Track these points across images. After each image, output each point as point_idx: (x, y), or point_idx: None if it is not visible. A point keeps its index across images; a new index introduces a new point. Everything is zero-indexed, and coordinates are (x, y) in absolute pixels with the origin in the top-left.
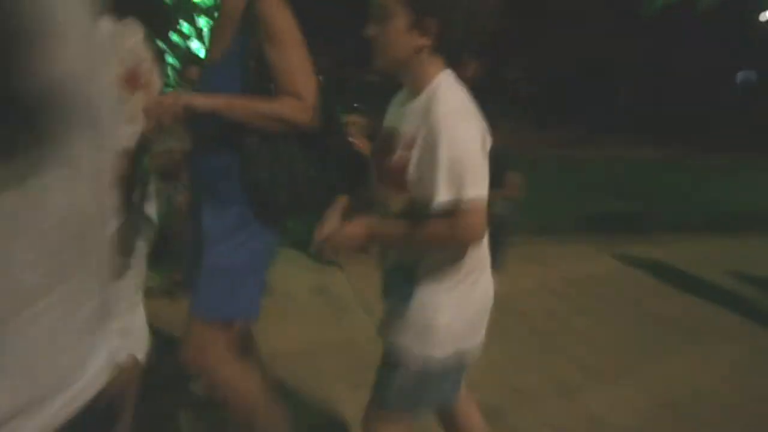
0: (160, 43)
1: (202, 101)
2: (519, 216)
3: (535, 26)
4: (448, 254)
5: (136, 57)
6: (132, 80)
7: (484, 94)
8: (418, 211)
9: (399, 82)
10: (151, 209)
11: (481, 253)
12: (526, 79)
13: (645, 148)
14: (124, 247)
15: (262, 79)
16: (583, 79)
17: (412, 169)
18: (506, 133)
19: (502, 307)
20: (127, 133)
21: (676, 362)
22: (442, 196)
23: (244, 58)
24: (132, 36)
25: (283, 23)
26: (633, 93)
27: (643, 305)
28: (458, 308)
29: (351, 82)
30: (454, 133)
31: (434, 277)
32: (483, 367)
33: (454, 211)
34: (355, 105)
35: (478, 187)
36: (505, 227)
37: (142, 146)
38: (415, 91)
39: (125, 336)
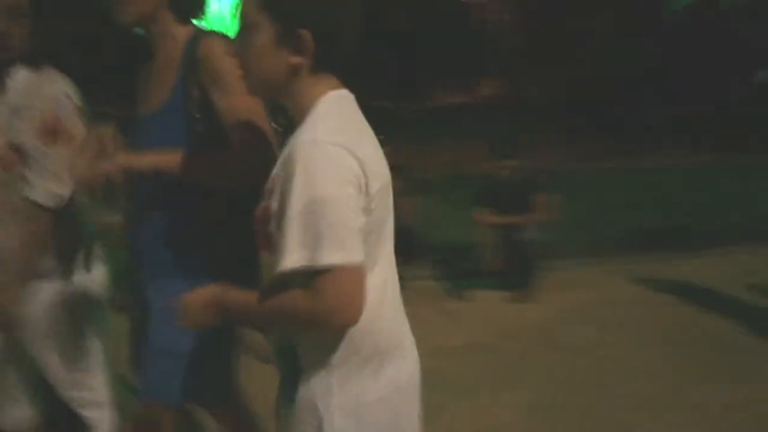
0: None
1: (144, 160)
2: (551, 239)
3: (553, 37)
4: (330, 335)
5: (55, 107)
6: (52, 132)
7: (505, 112)
8: (282, 279)
9: (427, 109)
10: (99, 272)
11: (384, 331)
12: (548, 92)
13: (679, 154)
14: (68, 321)
15: (208, 129)
16: (606, 87)
17: (272, 223)
18: (533, 152)
19: (537, 340)
20: (46, 190)
21: (736, 387)
22: (289, 260)
23: (186, 107)
24: (51, 85)
25: (229, 66)
26: (659, 97)
27: (695, 328)
28: (355, 407)
29: (371, 111)
30: (313, 174)
31: (318, 366)
32: (523, 411)
33: (311, 281)
34: (378, 136)
35: (340, 250)
36: (536, 252)
37: (77, 208)
38: (296, 122)
39: (96, 409)
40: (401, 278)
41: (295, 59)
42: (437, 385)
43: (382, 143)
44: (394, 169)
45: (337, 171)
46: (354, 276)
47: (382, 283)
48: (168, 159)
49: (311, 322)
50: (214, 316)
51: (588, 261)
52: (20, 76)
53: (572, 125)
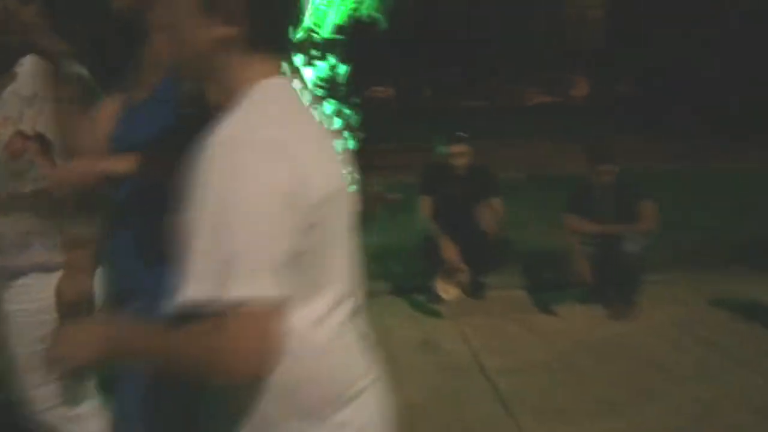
0: None
1: (126, 164)
2: (653, 250)
3: (634, 37)
4: (263, 387)
5: (71, 90)
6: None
7: (597, 113)
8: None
9: (501, 106)
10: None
11: (333, 373)
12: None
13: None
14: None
15: (199, 123)
16: (686, 85)
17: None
18: (628, 154)
19: (639, 360)
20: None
21: None
22: (190, 289)
23: (176, 99)
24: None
25: None
26: (742, 95)
27: None
28: None
29: (452, 109)
30: (231, 182)
31: (254, 428)
32: None
33: (215, 317)
34: (458, 133)
35: (254, 281)
36: (639, 264)
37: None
38: (220, 112)
39: (78, 422)
40: (484, 287)
41: (223, 30)
42: (519, 408)
43: (464, 142)
44: (477, 169)
45: (261, 179)
46: (269, 315)
47: (326, 314)
48: (149, 162)
49: (211, 369)
50: (99, 353)
51: (684, 274)
52: (30, 64)
53: (663, 122)
